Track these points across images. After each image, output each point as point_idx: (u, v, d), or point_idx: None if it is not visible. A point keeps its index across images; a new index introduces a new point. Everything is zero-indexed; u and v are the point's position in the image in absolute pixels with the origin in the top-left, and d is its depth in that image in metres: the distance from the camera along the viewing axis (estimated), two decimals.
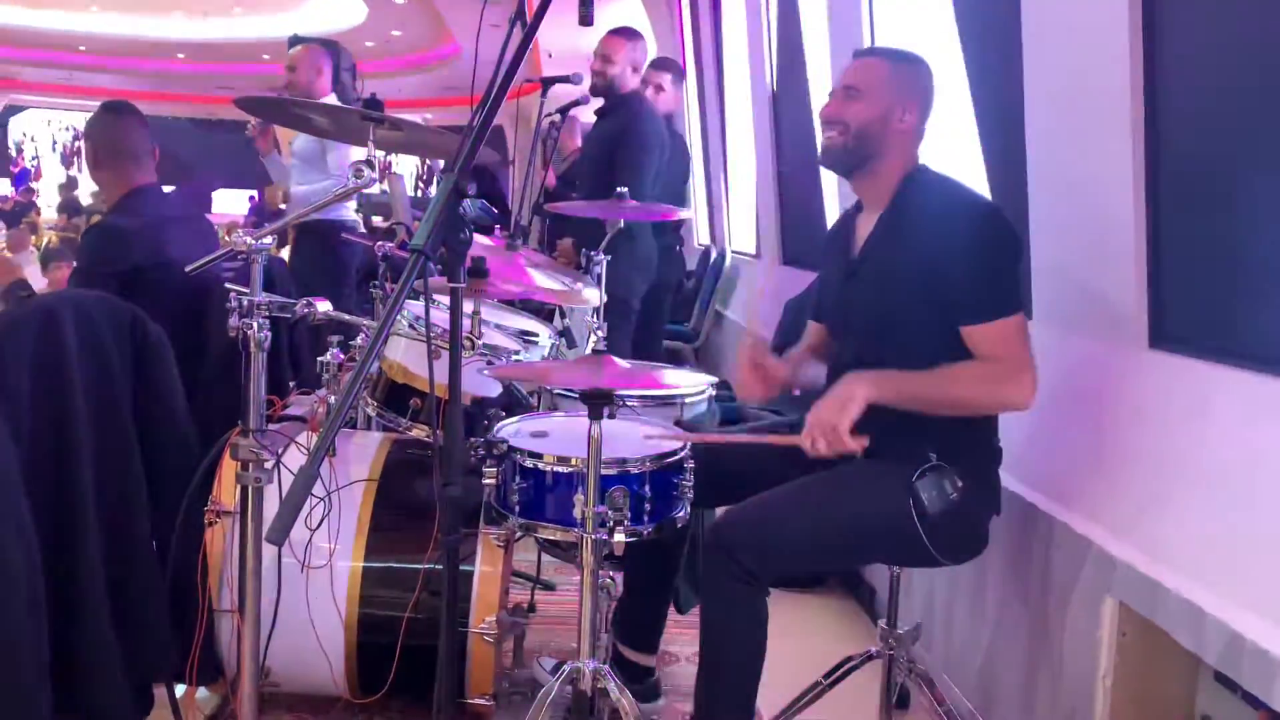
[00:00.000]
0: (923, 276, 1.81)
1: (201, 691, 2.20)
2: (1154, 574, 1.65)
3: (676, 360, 5.37)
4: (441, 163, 2.30)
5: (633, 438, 1.97)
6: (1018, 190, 2.23)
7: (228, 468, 1.96)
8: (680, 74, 4.83)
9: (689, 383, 2.31)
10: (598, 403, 1.69)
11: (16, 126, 20.16)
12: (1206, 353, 1.72)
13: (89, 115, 2.76)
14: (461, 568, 2.03)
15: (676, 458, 1.91)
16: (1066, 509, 1.96)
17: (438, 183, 1.68)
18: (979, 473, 1.86)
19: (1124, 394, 1.93)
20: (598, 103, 3.92)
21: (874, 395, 1.75)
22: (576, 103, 4.02)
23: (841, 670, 2.12)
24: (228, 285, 1.77)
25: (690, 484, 1.92)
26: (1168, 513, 1.72)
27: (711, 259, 6.49)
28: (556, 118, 4.14)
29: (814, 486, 1.87)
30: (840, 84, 1.96)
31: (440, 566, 1.85)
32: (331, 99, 4.18)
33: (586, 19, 1.34)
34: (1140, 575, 1.68)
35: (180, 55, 16.76)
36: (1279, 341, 1.58)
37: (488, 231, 4.17)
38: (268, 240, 1.77)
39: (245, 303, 1.76)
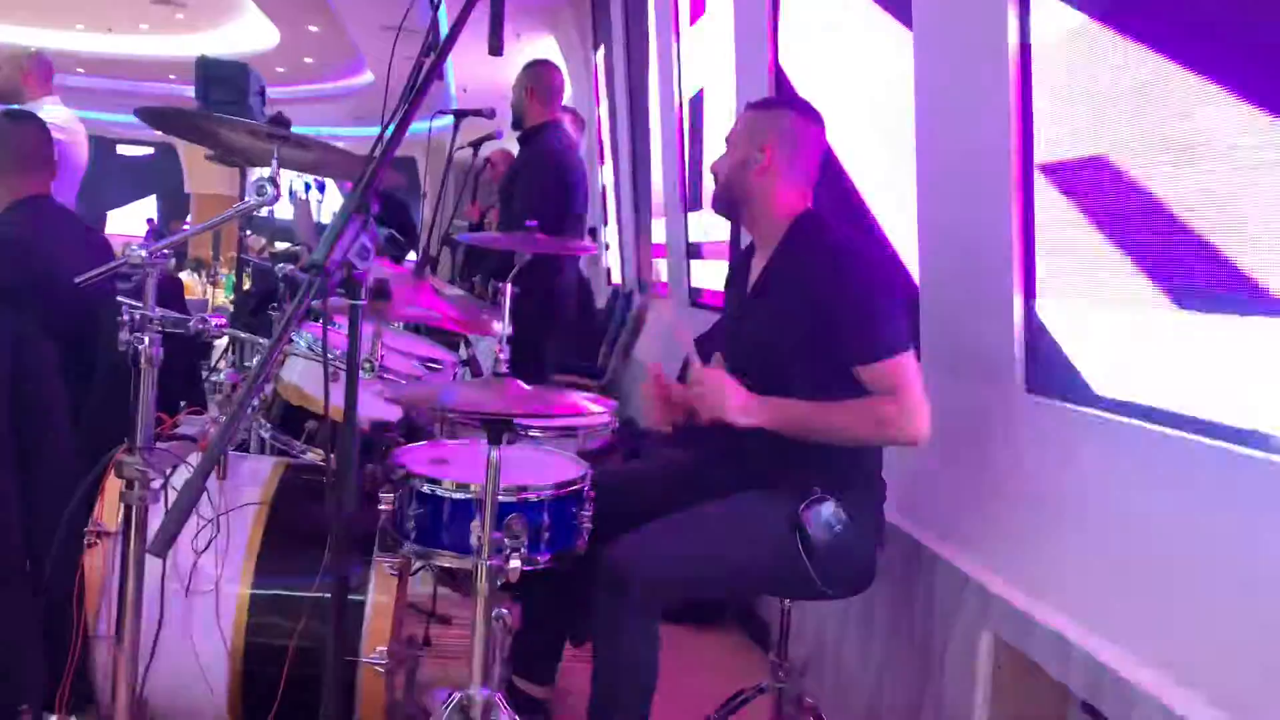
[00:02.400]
0: (809, 320, 1.89)
1: None
2: (1026, 608, 1.72)
3: None
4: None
5: (535, 467, 1.97)
6: (907, 242, 2.33)
7: (112, 487, 1.90)
8: (582, 124, 4.90)
9: (592, 408, 2.32)
10: (498, 427, 1.69)
11: None
12: (1078, 399, 1.82)
13: None
14: (353, 597, 2.00)
15: (576, 487, 1.92)
16: (948, 544, 2.04)
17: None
18: (864, 506, 1.92)
19: (1002, 436, 2.02)
20: (513, 136, 3.96)
21: (771, 425, 1.85)
22: (489, 137, 4.04)
23: (733, 703, 2.14)
24: (120, 299, 1.73)
25: (589, 515, 1.93)
26: (1040, 549, 1.80)
27: (619, 297, 6.55)
28: (470, 152, 4.15)
29: (704, 518, 1.90)
30: (725, 137, 2.09)
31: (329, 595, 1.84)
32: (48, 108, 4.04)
33: (496, 49, 1.37)
34: (1014, 609, 1.75)
35: (80, 70, 16.23)
36: (1143, 391, 1.68)
37: (396, 262, 4.15)
38: (163, 254, 1.74)
39: (137, 316, 1.72)
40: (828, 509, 1.83)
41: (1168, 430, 1.55)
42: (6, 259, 2.39)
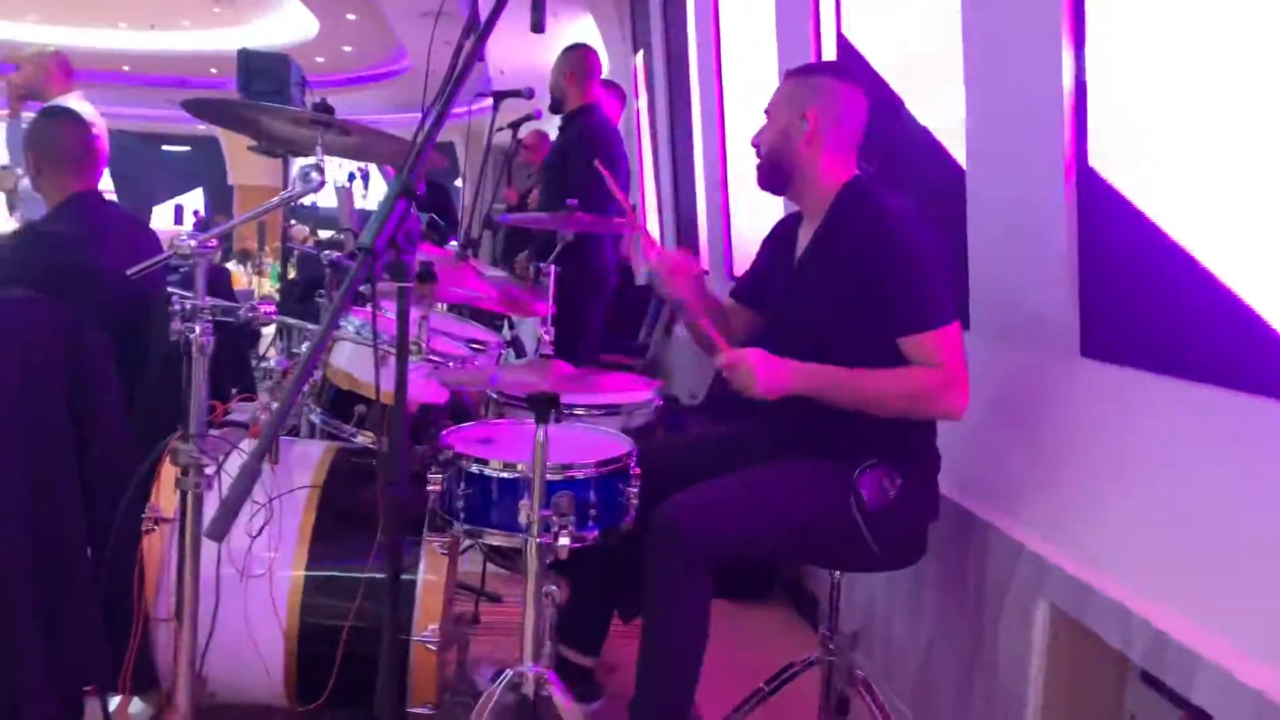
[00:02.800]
0: (856, 289, 1.86)
1: (135, 703, 2.16)
2: (1083, 576, 1.70)
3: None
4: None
5: (580, 445, 1.98)
6: (956, 205, 2.29)
7: (167, 474, 1.94)
8: (622, 96, 4.91)
9: (636, 389, 2.33)
10: (544, 407, 1.70)
11: None
12: (1135, 361, 1.78)
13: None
14: (404, 576, 2.03)
15: (622, 464, 1.92)
16: (1001, 514, 2.01)
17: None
18: (918, 477, 1.90)
19: (1056, 402, 1.99)
20: (551, 118, 3.99)
21: (807, 391, 1.84)
22: (528, 117, 4.05)
23: (783, 677, 2.14)
24: (170, 290, 1.76)
25: (636, 491, 1.94)
26: (1097, 516, 1.77)
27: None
28: (510, 133, 4.17)
29: (759, 479, 1.90)
30: (764, 109, 2.05)
31: (382, 575, 1.86)
32: (72, 103, 4.17)
33: (539, 26, 1.36)
34: (1070, 578, 1.73)
35: (125, 67, 16.49)
36: (1203, 351, 1.64)
37: (437, 246, 4.17)
38: (211, 244, 1.76)
39: (188, 306, 1.75)
40: (883, 475, 1.82)
41: (1230, 392, 1.51)
42: (59, 255, 2.44)
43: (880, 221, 1.89)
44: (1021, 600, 1.86)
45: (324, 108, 1.70)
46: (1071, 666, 1.77)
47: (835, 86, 1.98)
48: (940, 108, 2.41)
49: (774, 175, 2.02)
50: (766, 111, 2.04)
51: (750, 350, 1.86)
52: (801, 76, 2.04)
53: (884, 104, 2.68)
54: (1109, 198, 1.79)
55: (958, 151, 2.30)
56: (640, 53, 7.33)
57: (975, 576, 2.06)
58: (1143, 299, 1.77)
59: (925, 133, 2.50)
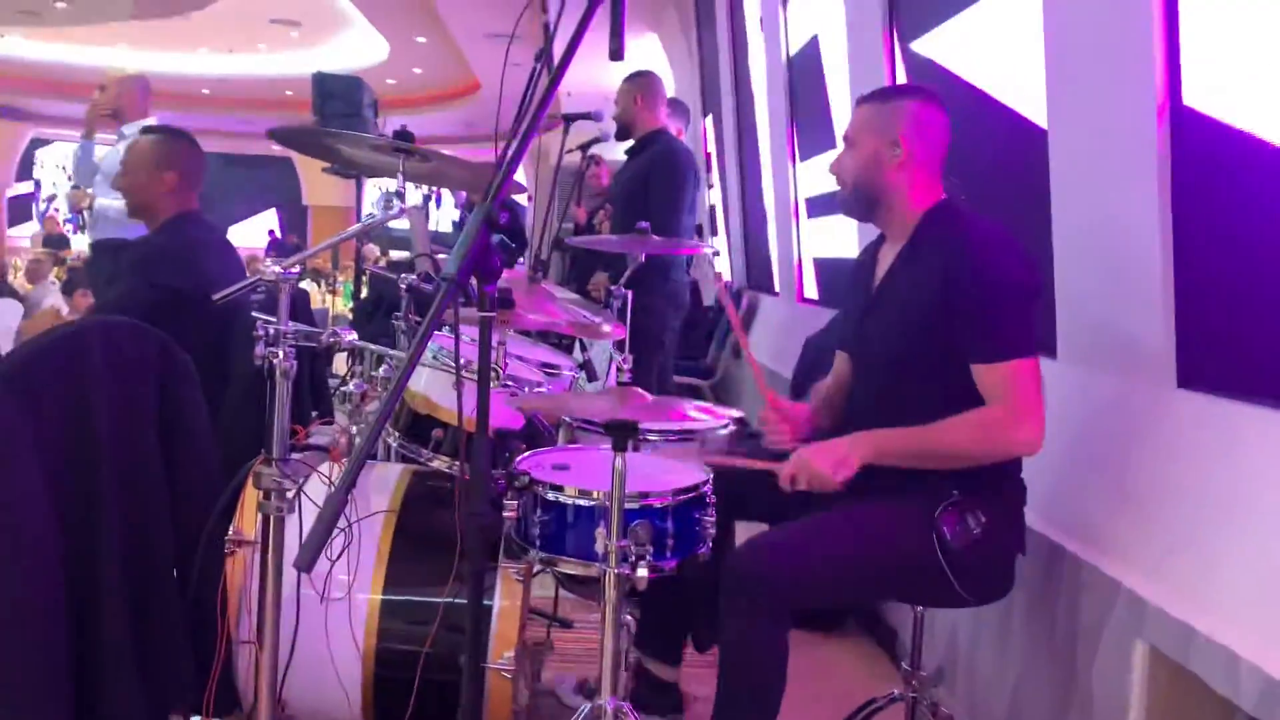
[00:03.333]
0: (936, 312, 1.82)
1: None
2: (1186, 617, 1.62)
3: (694, 396, 5.36)
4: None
5: (655, 473, 1.96)
6: (1042, 230, 2.23)
7: (249, 497, 1.96)
8: (686, 113, 4.94)
9: (712, 417, 2.30)
10: (621, 434, 1.68)
11: (46, 159, 20.51)
12: (1235, 392, 1.71)
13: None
14: (481, 603, 2.02)
15: (699, 492, 1.89)
16: (1095, 550, 1.94)
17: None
18: (1003, 510, 1.84)
19: (1152, 433, 1.91)
20: (616, 141, 4.02)
21: (871, 458, 1.80)
22: (597, 139, 4.07)
23: (865, 712, 2.09)
24: (254, 314, 1.78)
25: (713, 520, 1.91)
26: (1199, 554, 1.69)
27: (729, 294, 6.50)
28: (579, 155, 4.19)
29: (837, 519, 1.86)
30: (843, 136, 2.01)
31: (460, 600, 1.86)
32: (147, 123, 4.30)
33: (617, 53, 1.35)
34: (1172, 618, 1.65)
35: (205, 91, 17.03)
36: None
37: (507, 266, 4.20)
38: (295, 270, 1.78)
39: (271, 331, 1.77)
40: (965, 512, 1.76)
41: None
42: (174, 270, 2.51)
43: (964, 245, 1.85)
44: (1118, 641, 1.79)
45: (404, 135, 1.71)
46: (1173, 711, 1.69)
47: (921, 110, 1.94)
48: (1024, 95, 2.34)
49: (861, 201, 1.98)
50: (847, 137, 2.00)
51: (795, 455, 1.85)
52: (883, 101, 2.00)
53: (966, 105, 2.63)
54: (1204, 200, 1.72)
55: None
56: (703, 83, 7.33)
57: (1066, 614, 1.99)
58: (1242, 323, 1.69)
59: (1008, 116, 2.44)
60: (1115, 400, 2.03)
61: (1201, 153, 1.76)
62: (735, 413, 2.07)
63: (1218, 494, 1.69)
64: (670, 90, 4.50)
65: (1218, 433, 1.73)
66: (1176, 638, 1.63)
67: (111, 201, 4.28)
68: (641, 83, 4.00)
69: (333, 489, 1.14)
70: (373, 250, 7.60)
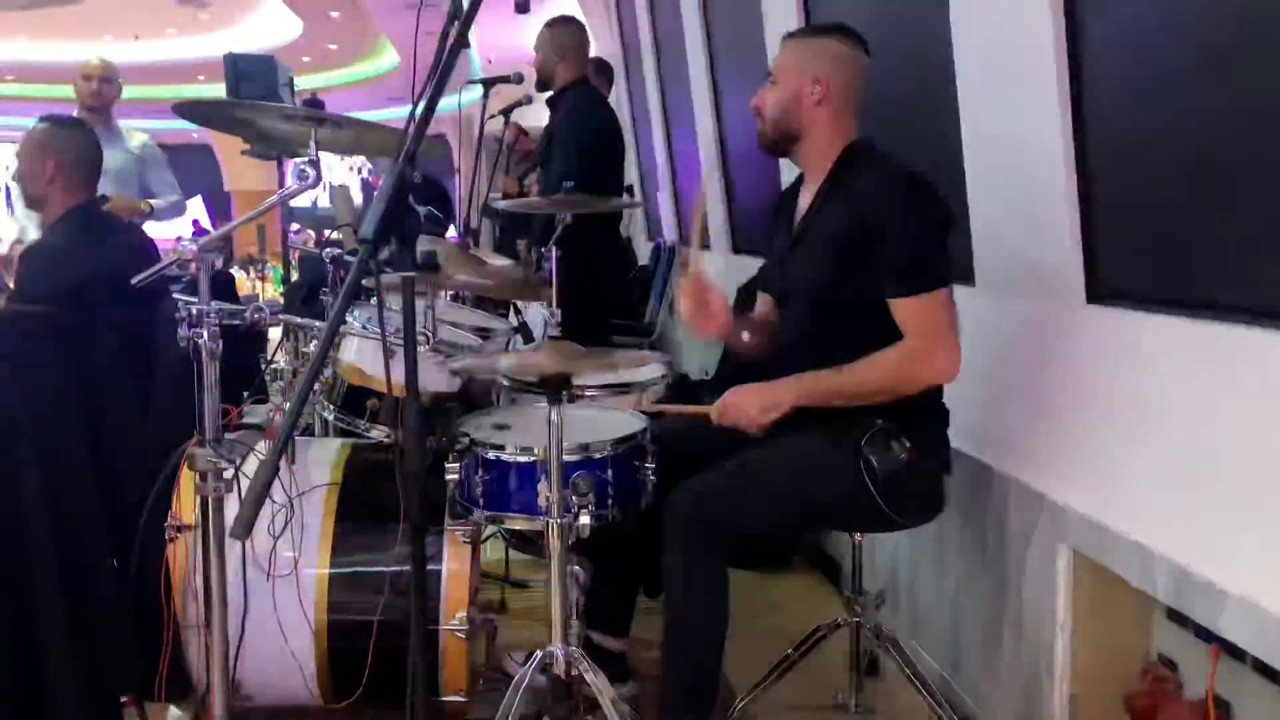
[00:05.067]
0: (853, 249, 1.86)
1: (173, 711, 2.19)
2: (1103, 519, 1.70)
3: None
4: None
5: (594, 426, 1.98)
6: (954, 161, 2.28)
7: (186, 481, 1.95)
8: (610, 74, 4.82)
9: (647, 367, 2.33)
10: (555, 386, 1.70)
11: None
12: (1142, 303, 1.78)
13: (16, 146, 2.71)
14: (429, 567, 2.04)
15: (637, 441, 1.93)
16: (1017, 465, 2.02)
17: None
18: (927, 434, 1.91)
19: (1064, 349, 1.99)
20: (537, 91, 3.87)
21: (799, 401, 1.87)
22: (518, 104, 4.01)
23: (811, 641, 2.15)
24: (175, 295, 1.76)
25: (653, 467, 1.94)
26: (1113, 460, 1.77)
27: (662, 252, 6.52)
28: (501, 120, 4.13)
29: (768, 455, 1.90)
30: (768, 73, 2.02)
31: (407, 567, 1.87)
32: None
33: (523, 5, 1.35)
34: (1090, 521, 1.73)
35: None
36: (1209, 286, 1.63)
37: (439, 236, 4.16)
38: (212, 248, 1.76)
39: (194, 312, 1.75)
40: (890, 439, 1.82)
41: (1236, 326, 1.51)
42: (64, 271, 2.45)
43: (878, 183, 1.89)
44: (1043, 547, 1.87)
45: (315, 103, 1.69)
46: (1097, 610, 1.78)
47: (844, 49, 1.97)
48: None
49: (780, 138, 2.00)
50: (772, 73, 2.01)
51: (725, 397, 1.91)
52: (809, 39, 2.01)
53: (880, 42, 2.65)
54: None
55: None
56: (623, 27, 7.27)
57: (996, 528, 2.07)
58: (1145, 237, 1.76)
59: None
60: (1029, 321, 2.10)
61: (1101, 73, 1.82)
62: (665, 357, 2.10)
63: (1127, 402, 1.77)
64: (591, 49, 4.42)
65: (1125, 344, 1.80)
66: (1095, 539, 1.71)
67: (162, 201, 4.30)
68: (559, 31, 3.74)
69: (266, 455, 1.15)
70: (306, 235, 7.46)
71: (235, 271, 9.29)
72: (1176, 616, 1.65)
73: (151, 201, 4.30)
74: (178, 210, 4.38)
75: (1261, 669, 1.45)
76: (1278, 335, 1.43)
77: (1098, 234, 1.89)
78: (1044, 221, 1.98)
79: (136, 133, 4.45)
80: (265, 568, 2.00)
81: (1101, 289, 1.88)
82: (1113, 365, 1.83)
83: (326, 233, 4.65)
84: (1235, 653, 1.50)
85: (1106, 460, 1.78)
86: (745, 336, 2.10)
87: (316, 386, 2.22)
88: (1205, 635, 1.57)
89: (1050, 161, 1.91)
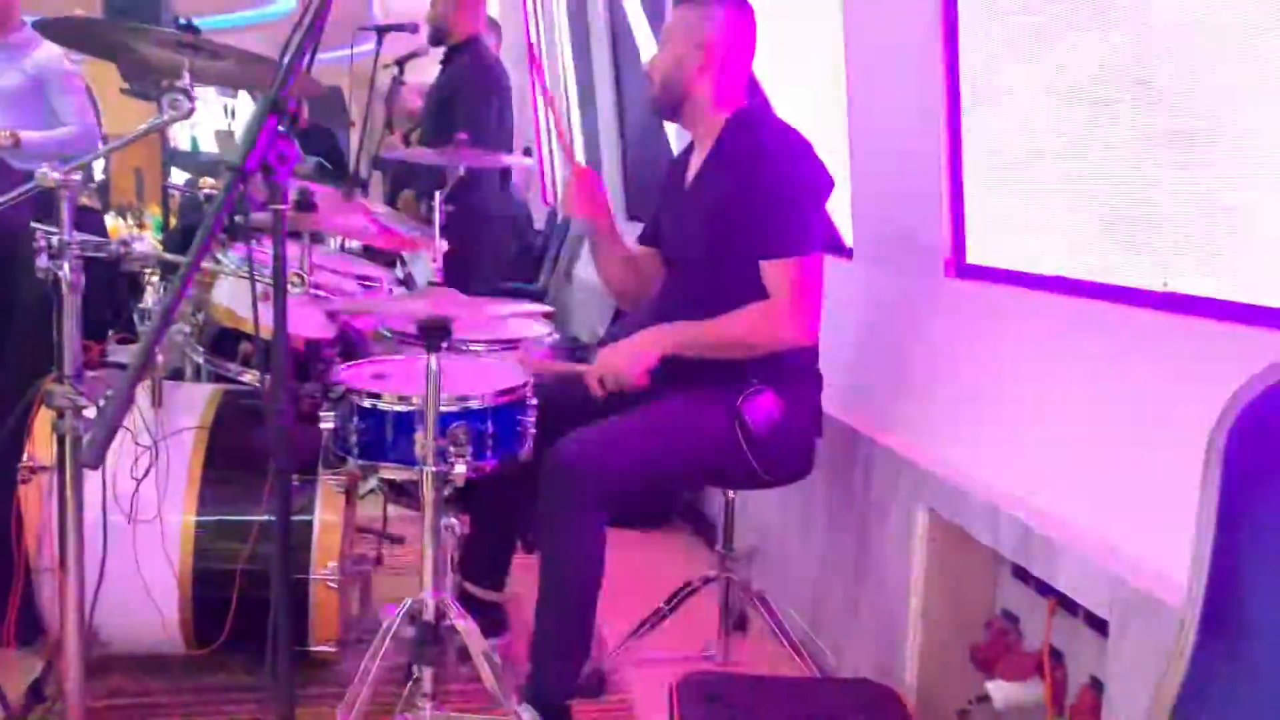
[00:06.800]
0: (733, 211, 1.91)
1: (26, 660, 2.10)
2: (958, 482, 1.79)
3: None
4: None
5: (475, 377, 1.98)
6: (837, 136, 2.34)
7: (42, 420, 1.87)
8: (498, 31, 4.78)
9: (529, 317, 2.33)
10: (436, 334, 1.69)
11: None
12: (1000, 279, 1.87)
13: None
14: (301, 516, 2.01)
15: (518, 395, 1.93)
16: (884, 430, 2.10)
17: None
18: (800, 397, 1.97)
19: (929, 322, 2.07)
20: (437, 54, 3.83)
21: (667, 349, 1.91)
22: (414, 54, 3.92)
23: (681, 595, 2.21)
24: (34, 225, 1.68)
25: (532, 421, 1.95)
26: (969, 426, 1.87)
27: (559, 217, 6.49)
28: (395, 70, 4.03)
29: (647, 412, 1.94)
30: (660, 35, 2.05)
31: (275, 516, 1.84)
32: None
33: None
34: (946, 484, 1.82)
35: None
36: (1060, 262, 1.73)
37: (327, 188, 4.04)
38: (76, 175, 1.68)
39: (55, 242, 1.67)
40: (765, 399, 1.87)
41: (1081, 300, 1.61)
42: None
43: (757, 148, 1.94)
44: (903, 508, 1.96)
45: (190, 28, 1.62)
46: (950, 567, 1.87)
47: (729, 15, 2.00)
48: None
49: (667, 102, 2.04)
50: (662, 38, 2.04)
51: (597, 357, 1.96)
52: (696, 5, 2.03)
53: None
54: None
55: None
56: None
57: (861, 490, 2.15)
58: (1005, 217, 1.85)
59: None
60: (898, 293, 2.19)
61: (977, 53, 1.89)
62: (543, 308, 2.11)
63: (984, 371, 1.86)
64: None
65: (983, 316, 1.89)
66: (950, 500, 1.80)
67: (39, 134, 3.52)
68: None
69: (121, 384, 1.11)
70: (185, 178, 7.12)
71: (111, 219, 8.84)
72: (1020, 574, 1.75)
73: (21, 133, 3.57)
74: (66, 144, 3.50)
75: (1090, 620, 1.55)
76: (1119, 309, 1.52)
77: (964, 212, 1.97)
78: (916, 195, 2.06)
79: (45, 49, 3.60)
80: (127, 511, 1.94)
81: (964, 264, 1.97)
82: (972, 337, 1.92)
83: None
84: (1069, 606, 1.60)
85: (964, 426, 1.87)
86: (618, 254, 2.17)
87: (186, 329, 2.15)
88: (1044, 591, 1.67)
89: (928, 141, 1.99)
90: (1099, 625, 1.51)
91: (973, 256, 1.95)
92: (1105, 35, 1.52)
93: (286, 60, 1.21)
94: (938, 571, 1.87)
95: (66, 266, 1.67)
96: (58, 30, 1.71)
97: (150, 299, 2.07)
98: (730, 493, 2.18)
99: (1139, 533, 1.40)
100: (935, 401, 1.98)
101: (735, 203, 1.90)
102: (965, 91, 1.90)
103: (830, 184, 1.96)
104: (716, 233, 1.95)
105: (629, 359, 1.91)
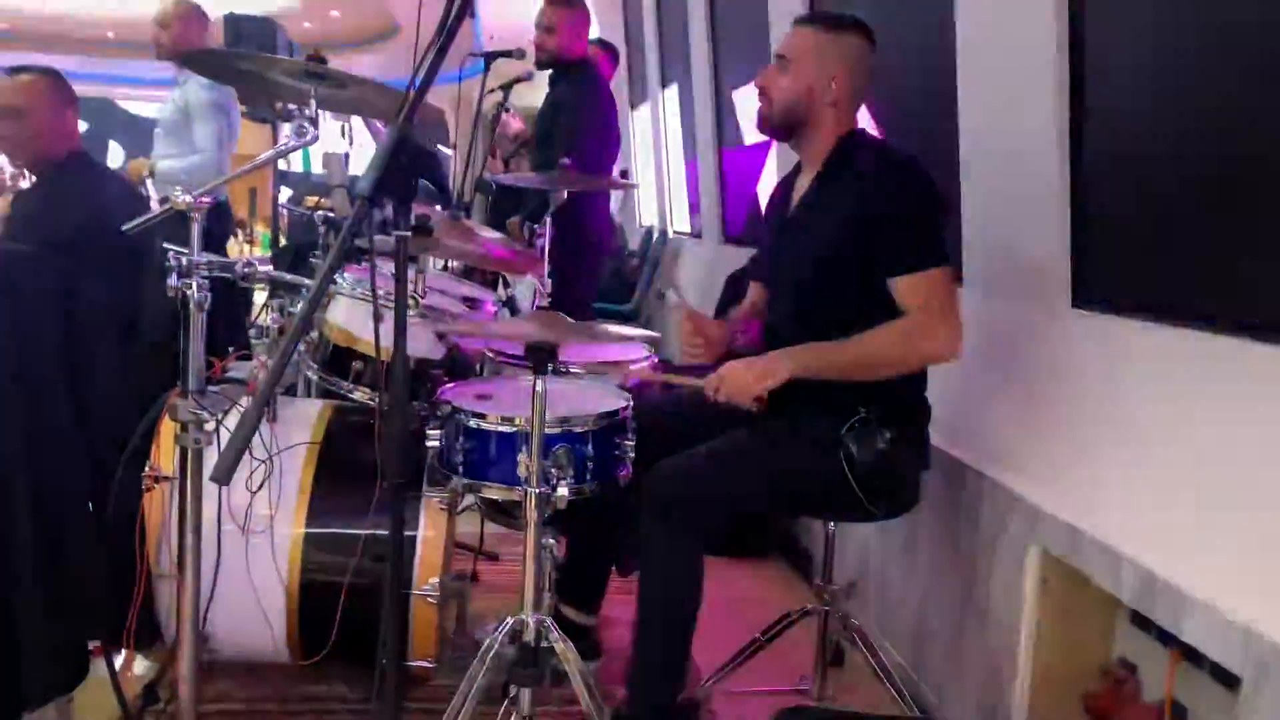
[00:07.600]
0: (852, 230, 1.87)
1: (140, 661, 2.18)
2: (1075, 521, 1.72)
3: None
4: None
5: (577, 400, 1.99)
6: (949, 160, 2.30)
7: (166, 431, 1.95)
8: (615, 55, 4.82)
9: (632, 340, 2.33)
10: (542, 357, 1.71)
11: None
12: (1126, 310, 1.80)
13: None
14: (405, 532, 2.04)
15: (619, 417, 1.93)
16: (994, 464, 2.04)
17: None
18: (908, 428, 1.92)
19: (1048, 352, 2.01)
20: (543, 78, 3.88)
21: (797, 371, 1.84)
22: (519, 79, 3.99)
23: (778, 627, 2.17)
24: (165, 245, 1.76)
25: (633, 444, 1.95)
26: (1088, 464, 1.79)
27: (654, 239, 6.52)
28: (500, 96, 4.12)
29: (748, 439, 1.92)
30: (775, 52, 2.01)
31: (383, 531, 1.87)
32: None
33: None
34: (1062, 523, 1.75)
35: (110, 35, 16.28)
36: (1190, 295, 1.65)
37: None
38: (205, 200, 1.76)
39: (184, 262, 1.75)
40: (872, 430, 1.83)
41: (1216, 336, 1.53)
42: (63, 215, 2.43)
43: (876, 167, 1.91)
44: (1014, 547, 1.89)
45: (318, 59, 1.68)
46: (1062, 611, 1.80)
47: (862, 48, 1.97)
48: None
49: (785, 125, 2.00)
50: (781, 56, 1.99)
51: (721, 368, 1.89)
52: (826, 31, 1.98)
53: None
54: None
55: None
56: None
57: (968, 525, 2.09)
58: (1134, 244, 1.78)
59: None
60: (1014, 322, 2.12)
61: (1100, 78, 1.84)
62: (652, 334, 2.11)
63: (1104, 407, 1.79)
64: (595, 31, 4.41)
65: (1106, 349, 1.82)
66: (1066, 540, 1.73)
67: (174, 162, 3.84)
68: (563, 8, 3.78)
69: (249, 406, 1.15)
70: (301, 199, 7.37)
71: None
72: (1139, 620, 1.68)
73: (159, 163, 3.90)
74: (194, 171, 3.73)
75: (1218, 674, 1.48)
76: (1254, 346, 1.45)
77: (1087, 239, 1.91)
78: (1034, 220, 2.00)
79: (194, 80, 3.86)
80: (240, 523, 2.00)
81: (1087, 294, 1.90)
82: (1093, 371, 1.85)
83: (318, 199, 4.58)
84: (1194, 658, 1.52)
85: (1082, 463, 1.80)
86: (739, 340, 2.14)
87: (301, 346, 2.21)
88: (1166, 639, 1.60)
89: (1045, 163, 1.93)
90: (1227, 679, 1.43)
91: (1096, 285, 1.88)
92: None
93: (415, 90, 1.24)
94: (1050, 614, 1.80)
95: (194, 285, 1.75)
96: (193, 61, 1.79)
97: (268, 316, 2.13)
98: (830, 525, 2.14)
99: (1277, 585, 1.33)
100: (1052, 437, 1.91)
101: (855, 219, 1.87)
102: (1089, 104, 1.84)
103: (946, 203, 1.93)
104: (830, 256, 1.92)
105: (757, 374, 1.85)
